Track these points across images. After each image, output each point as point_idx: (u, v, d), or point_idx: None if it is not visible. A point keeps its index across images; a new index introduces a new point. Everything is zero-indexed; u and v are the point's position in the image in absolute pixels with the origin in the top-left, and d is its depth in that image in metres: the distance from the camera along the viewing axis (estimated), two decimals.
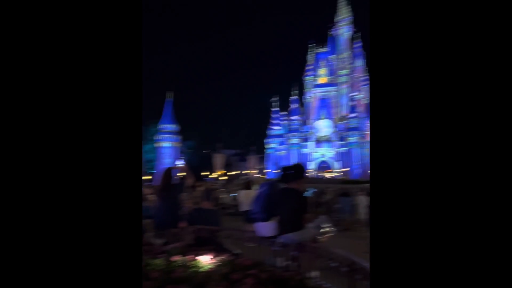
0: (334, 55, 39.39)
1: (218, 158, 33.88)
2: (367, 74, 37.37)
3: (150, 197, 5.13)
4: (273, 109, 40.25)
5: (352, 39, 39.32)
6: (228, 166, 38.97)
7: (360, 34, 39.44)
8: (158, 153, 33.72)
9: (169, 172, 3.73)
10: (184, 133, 34.98)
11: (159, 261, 2.12)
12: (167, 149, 33.47)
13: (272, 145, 39.10)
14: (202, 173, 30.05)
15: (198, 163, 33.48)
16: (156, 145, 33.93)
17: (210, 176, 31.57)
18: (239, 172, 38.76)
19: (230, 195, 13.95)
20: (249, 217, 3.36)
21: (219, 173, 33.22)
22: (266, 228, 2.98)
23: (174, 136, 34.19)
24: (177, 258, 2.20)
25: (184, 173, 3.91)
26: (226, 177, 32.83)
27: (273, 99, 40.10)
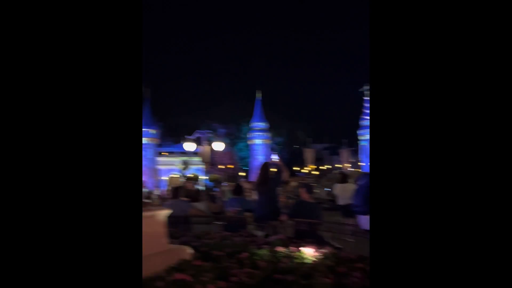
0: None
1: (309, 153, 33.64)
2: None
3: (249, 192, 5.38)
4: (365, 98, 38.08)
5: None
6: (319, 161, 38.37)
7: None
8: (250, 151, 35.16)
9: (266, 167, 3.85)
10: (274, 130, 35.68)
11: (264, 252, 2.20)
12: (258, 146, 34.65)
13: (366, 137, 37.06)
14: (293, 168, 30.25)
15: (289, 158, 33.82)
16: (248, 142, 35.42)
17: (301, 171, 31.57)
18: (331, 166, 37.77)
19: (324, 189, 13.70)
20: (350, 211, 3.23)
21: (310, 167, 32.98)
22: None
23: (265, 134, 35.16)
24: (281, 249, 2.26)
25: (276, 169, 3.98)
26: (317, 172, 32.36)
27: (364, 88, 37.93)
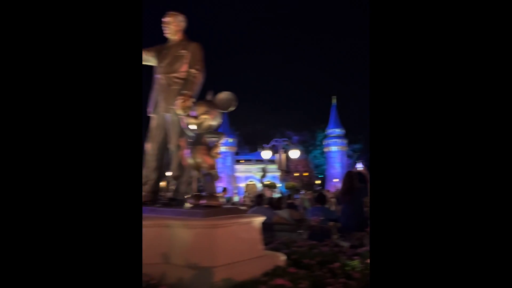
0: None
1: None
2: None
3: (332, 201, 5.31)
4: None
5: None
6: None
7: None
8: (327, 158, 34.38)
9: (351, 176, 3.77)
10: (351, 136, 34.35)
11: (356, 263, 2.17)
12: (335, 153, 33.70)
13: None
14: None
15: (368, 166, 32.11)
16: (324, 150, 34.70)
17: None
18: None
19: None
20: None
21: None
22: None
23: (341, 140, 34.07)
24: None
25: (362, 178, 3.86)
26: None
27: None
